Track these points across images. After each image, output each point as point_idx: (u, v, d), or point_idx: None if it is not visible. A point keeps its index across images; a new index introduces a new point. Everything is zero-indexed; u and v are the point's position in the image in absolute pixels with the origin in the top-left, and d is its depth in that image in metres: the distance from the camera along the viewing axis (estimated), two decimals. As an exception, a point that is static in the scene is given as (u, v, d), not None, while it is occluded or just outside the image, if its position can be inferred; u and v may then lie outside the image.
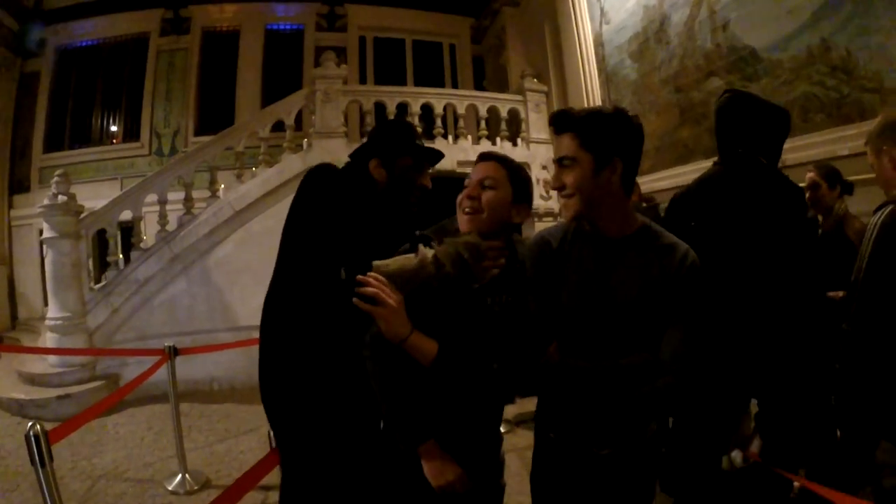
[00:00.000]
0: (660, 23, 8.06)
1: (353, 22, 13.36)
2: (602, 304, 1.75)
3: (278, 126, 9.25)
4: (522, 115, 10.59)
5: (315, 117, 9.16)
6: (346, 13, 13.34)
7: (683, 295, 1.71)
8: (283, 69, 13.03)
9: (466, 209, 1.94)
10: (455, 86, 13.12)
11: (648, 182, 7.61)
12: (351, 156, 2.51)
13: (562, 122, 1.77)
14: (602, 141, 1.69)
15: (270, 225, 8.13)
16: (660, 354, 1.69)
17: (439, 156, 2.53)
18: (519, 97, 10.70)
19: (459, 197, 1.98)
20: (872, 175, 2.71)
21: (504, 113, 10.46)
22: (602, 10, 9.41)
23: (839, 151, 4.88)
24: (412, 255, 1.83)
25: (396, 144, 2.40)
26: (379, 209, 2.35)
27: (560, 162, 1.75)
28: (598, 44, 9.57)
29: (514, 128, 10.59)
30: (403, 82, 12.87)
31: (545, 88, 10.83)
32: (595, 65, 9.67)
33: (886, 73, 4.71)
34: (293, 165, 8.58)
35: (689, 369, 1.68)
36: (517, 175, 1.98)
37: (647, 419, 1.86)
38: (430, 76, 13.28)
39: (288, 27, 13.50)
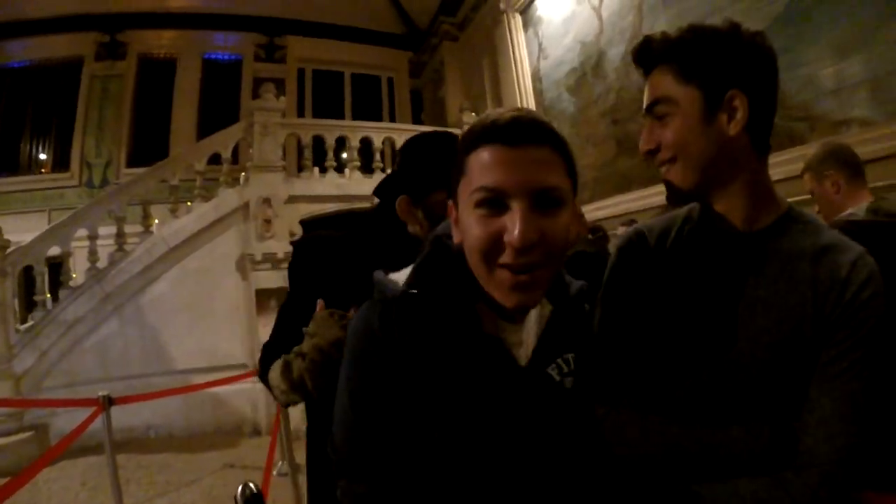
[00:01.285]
0: (597, 58, 8.22)
1: (293, 54, 13.17)
2: (721, 346, 1.09)
3: (215, 159, 8.91)
4: (461, 149, 10.52)
5: (253, 150, 8.84)
6: (285, 44, 13.14)
7: (854, 332, 1.01)
8: (221, 100, 12.72)
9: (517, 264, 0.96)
10: (393, 119, 13.05)
11: (590, 211, 7.68)
12: (376, 191, 1.79)
13: (646, 54, 1.17)
14: (711, 66, 1.08)
15: (207, 263, 7.82)
16: (799, 431, 1.01)
17: None
18: (457, 130, 10.51)
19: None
20: (807, 196, 2.77)
21: (443, 148, 10.35)
22: (540, 45, 9.55)
23: (774, 176, 4.93)
24: None
25: (428, 173, 1.62)
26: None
27: (650, 111, 1.15)
28: (536, 78, 9.69)
29: (454, 161, 10.49)
30: (342, 115, 12.70)
31: (483, 122, 10.78)
32: (533, 99, 9.78)
33: (814, 102, 5.03)
34: (230, 200, 8.28)
35: (855, 464, 0.98)
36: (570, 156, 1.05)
37: None
38: (369, 109, 13.17)
39: (226, 57, 13.21)
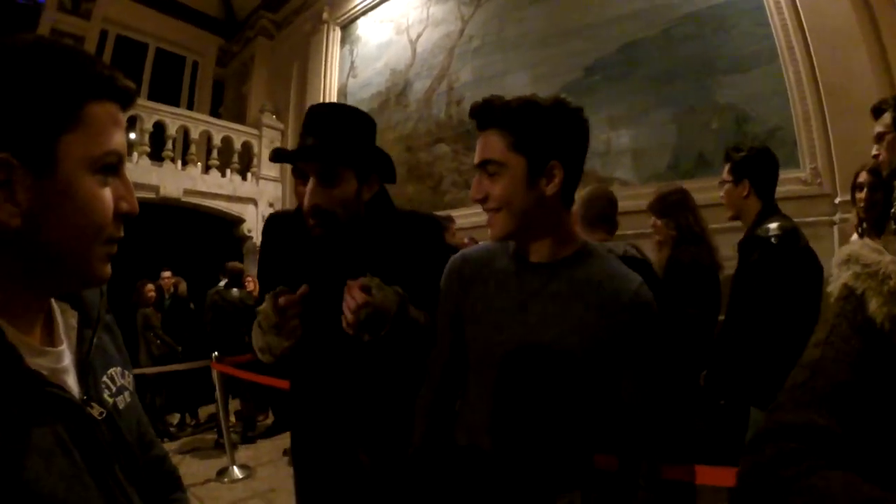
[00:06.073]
0: (403, 87, 8.31)
1: (100, 11, 11.43)
2: (514, 347, 1.34)
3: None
4: (256, 149, 10.08)
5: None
6: None
7: (639, 340, 1.33)
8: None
9: None
10: (191, 107, 11.95)
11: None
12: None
13: (485, 114, 1.33)
14: (538, 141, 1.28)
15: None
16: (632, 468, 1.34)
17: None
18: (255, 131, 10.17)
19: None
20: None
21: (238, 145, 9.86)
22: (353, 63, 9.43)
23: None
24: None
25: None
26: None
27: (483, 167, 1.33)
28: (342, 94, 9.52)
29: (246, 161, 10.02)
30: (137, 91, 11.42)
31: (282, 126, 10.44)
32: (336, 113, 9.51)
33: (586, 161, 5.47)
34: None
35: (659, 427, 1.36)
36: None
37: None
38: (167, 91, 11.98)
39: None
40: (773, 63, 4.74)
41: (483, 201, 1.34)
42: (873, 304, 0.84)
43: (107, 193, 0.76)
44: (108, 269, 0.81)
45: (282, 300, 1.43)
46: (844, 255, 0.92)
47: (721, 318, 2.98)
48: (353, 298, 1.37)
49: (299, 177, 1.61)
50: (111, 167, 0.77)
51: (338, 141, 1.54)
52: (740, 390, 2.53)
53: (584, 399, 1.34)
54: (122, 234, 0.81)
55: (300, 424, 1.83)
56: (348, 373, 1.61)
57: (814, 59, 4.54)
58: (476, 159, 1.35)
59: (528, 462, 1.33)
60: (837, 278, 0.92)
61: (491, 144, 1.31)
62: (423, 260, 1.65)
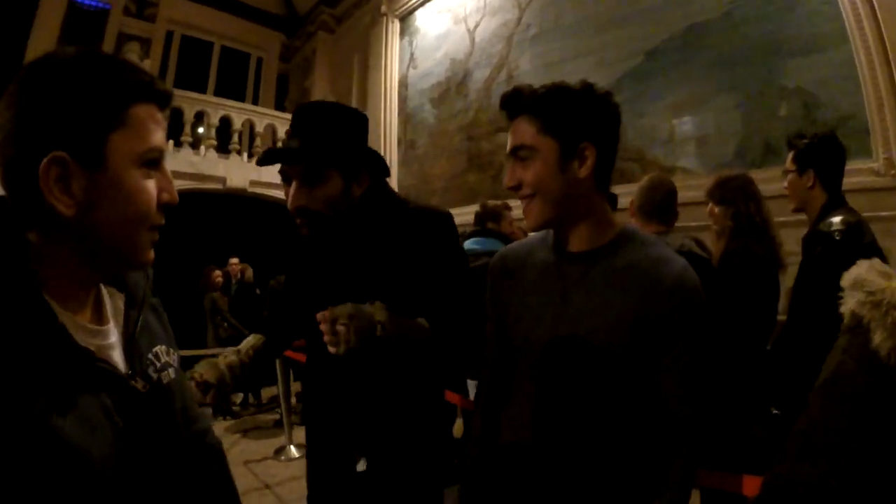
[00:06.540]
0: (462, 76, 8.31)
1: (164, 14, 11.71)
2: (554, 339, 1.30)
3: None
4: (319, 141, 10.20)
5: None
6: (158, 2, 11.96)
7: (682, 328, 1.25)
8: (79, 51, 11.17)
9: None
10: (256, 101, 12.24)
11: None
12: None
13: (515, 102, 1.33)
14: (568, 123, 1.26)
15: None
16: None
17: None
18: (321, 120, 10.29)
19: None
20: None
21: (301, 137, 9.98)
22: (412, 54, 9.48)
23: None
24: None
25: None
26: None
27: (515, 153, 1.32)
28: (403, 85, 9.60)
29: (310, 153, 10.14)
30: (204, 89, 11.72)
31: (344, 118, 10.50)
32: (396, 104, 9.66)
33: (647, 148, 5.69)
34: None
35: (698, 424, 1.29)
36: None
37: None
38: (233, 87, 12.23)
39: (94, 4, 11.73)
40: (844, 44, 4.45)
41: (517, 189, 1.32)
42: (877, 337, 0.82)
43: (151, 185, 0.85)
44: (152, 253, 0.90)
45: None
46: (851, 279, 0.88)
47: (782, 318, 2.79)
48: (322, 321, 1.40)
49: (284, 179, 1.59)
50: (153, 162, 0.85)
51: (321, 142, 1.54)
52: (795, 398, 2.39)
53: (628, 395, 1.28)
54: (163, 221, 0.90)
55: (308, 421, 1.88)
56: (344, 376, 1.64)
57: (885, 38, 4.21)
58: (508, 148, 1.34)
59: (572, 459, 1.28)
60: (846, 303, 0.88)
61: (521, 130, 1.30)
62: (428, 256, 1.63)
